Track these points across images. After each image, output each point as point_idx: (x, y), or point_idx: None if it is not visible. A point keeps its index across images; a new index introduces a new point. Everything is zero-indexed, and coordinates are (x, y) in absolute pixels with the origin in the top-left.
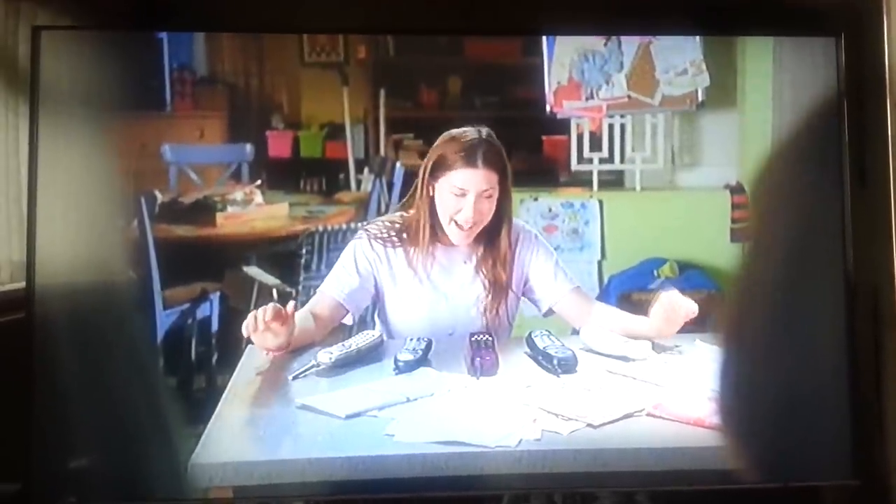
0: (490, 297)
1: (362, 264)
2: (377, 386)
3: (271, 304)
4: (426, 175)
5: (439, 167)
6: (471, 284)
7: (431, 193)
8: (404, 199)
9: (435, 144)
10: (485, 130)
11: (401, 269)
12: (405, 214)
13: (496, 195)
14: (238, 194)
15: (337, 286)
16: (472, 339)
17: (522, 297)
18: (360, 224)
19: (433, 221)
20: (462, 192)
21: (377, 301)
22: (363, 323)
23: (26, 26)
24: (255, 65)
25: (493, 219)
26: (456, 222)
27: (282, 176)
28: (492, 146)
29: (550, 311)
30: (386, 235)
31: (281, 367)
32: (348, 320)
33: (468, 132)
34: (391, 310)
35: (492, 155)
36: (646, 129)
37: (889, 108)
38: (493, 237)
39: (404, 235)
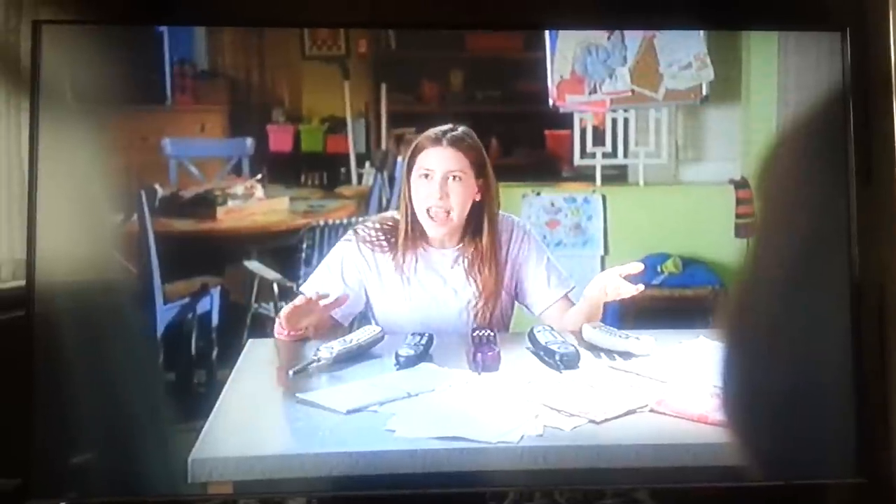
0: (481, 301)
1: (349, 273)
2: (378, 381)
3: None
4: (405, 171)
5: (413, 158)
6: (462, 288)
7: (410, 191)
8: (397, 201)
9: None
10: (462, 126)
11: (388, 273)
12: (396, 216)
13: (468, 181)
14: (239, 188)
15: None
16: (474, 334)
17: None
18: (359, 219)
19: (413, 218)
20: (428, 172)
21: (367, 307)
22: (363, 319)
23: (27, 21)
24: (256, 58)
25: (474, 216)
26: (428, 212)
27: (282, 170)
28: (465, 133)
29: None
30: (374, 239)
31: (281, 363)
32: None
33: (444, 125)
34: (380, 316)
35: (462, 140)
36: (649, 124)
37: (894, 103)
38: (476, 237)
39: (392, 238)
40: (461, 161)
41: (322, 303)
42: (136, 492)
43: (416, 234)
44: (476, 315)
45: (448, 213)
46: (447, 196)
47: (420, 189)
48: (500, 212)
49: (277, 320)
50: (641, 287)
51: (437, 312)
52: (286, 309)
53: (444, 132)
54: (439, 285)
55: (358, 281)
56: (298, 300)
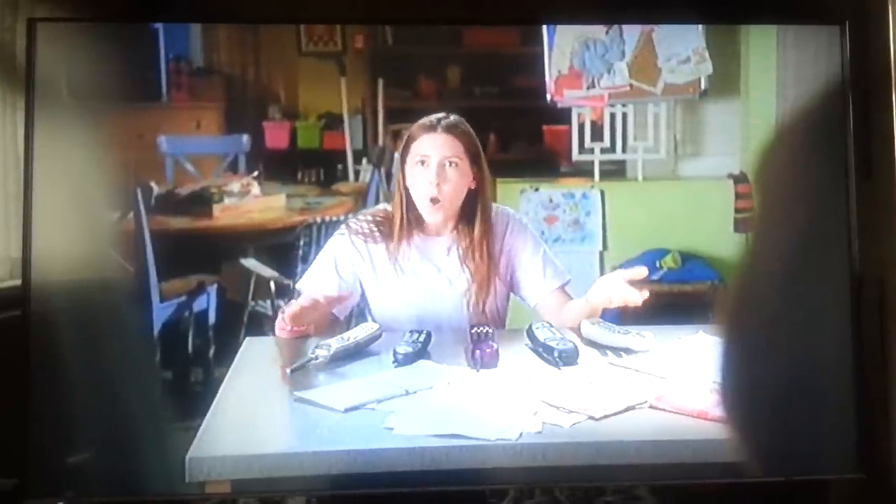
0: (474, 290)
1: (343, 267)
2: (376, 379)
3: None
4: (400, 160)
5: (407, 146)
6: (456, 277)
7: (406, 179)
8: (390, 192)
9: None
10: (455, 115)
11: (382, 265)
12: (388, 208)
13: (464, 168)
14: (235, 186)
15: (322, 291)
16: (472, 331)
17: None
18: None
19: (409, 206)
20: (424, 158)
21: (362, 300)
22: (360, 315)
23: (22, 19)
24: (252, 55)
25: (468, 204)
26: (428, 199)
27: (279, 167)
28: (458, 121)
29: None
30: (367, 231)
31: (279, 361)
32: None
33: (438, 114)
34: (375, 308)
35: (456, 126)
36: (648, 118)
37: (894, 97)
38: (469, 226)
39: (384, 229)
40: (456, 146)
41: (327, 301)
42: (134, 491)
43: (411, 223)
44: (470, 304)
45: (447, 196)
46: (445, 181)
47: (417, 176)
48: (497, 205)
49: (280, 317)
50: (647, 294)
51: (432, 304)
52: (292, 309)
53: (439, 119)
54: (433, 274)
55: (353, 274)
56: (305, 300)
